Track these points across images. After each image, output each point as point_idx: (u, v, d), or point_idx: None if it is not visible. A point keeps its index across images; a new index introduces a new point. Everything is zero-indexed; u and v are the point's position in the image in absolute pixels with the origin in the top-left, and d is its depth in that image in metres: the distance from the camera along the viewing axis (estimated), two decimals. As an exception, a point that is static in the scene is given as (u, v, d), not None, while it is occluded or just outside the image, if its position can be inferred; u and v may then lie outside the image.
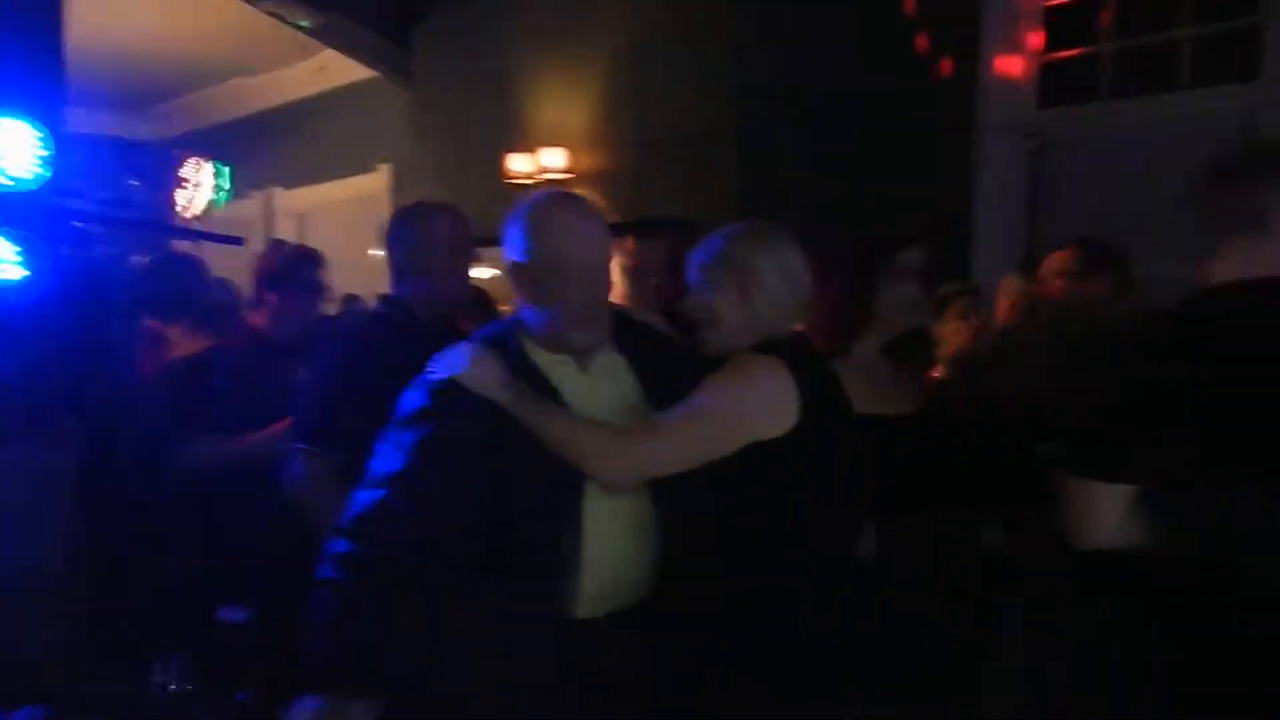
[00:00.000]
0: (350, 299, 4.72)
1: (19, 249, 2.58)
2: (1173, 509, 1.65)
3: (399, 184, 6.01)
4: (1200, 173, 1.74)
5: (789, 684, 1.81)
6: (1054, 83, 4.45)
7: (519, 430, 1.78)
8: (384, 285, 2.56)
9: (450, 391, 1.80)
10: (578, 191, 1.94)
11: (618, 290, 2.93)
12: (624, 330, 1.96)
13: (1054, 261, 2.81)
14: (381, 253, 2.60)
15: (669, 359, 2.00)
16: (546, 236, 1.82)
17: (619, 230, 3.19)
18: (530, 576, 1.80)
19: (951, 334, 3.23)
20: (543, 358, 1.87)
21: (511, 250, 1.86)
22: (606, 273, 1.90)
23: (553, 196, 1.89)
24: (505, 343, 1.88)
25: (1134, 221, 3.30)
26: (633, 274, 2.94)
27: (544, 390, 1.84)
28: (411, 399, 1.84)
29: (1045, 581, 2.43)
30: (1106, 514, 1.68)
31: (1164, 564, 1.66)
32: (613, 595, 1.87)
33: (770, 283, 1.89)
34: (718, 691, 1.85)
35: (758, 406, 1.81)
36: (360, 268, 5.67)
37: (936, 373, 3.01)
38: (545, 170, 4.60)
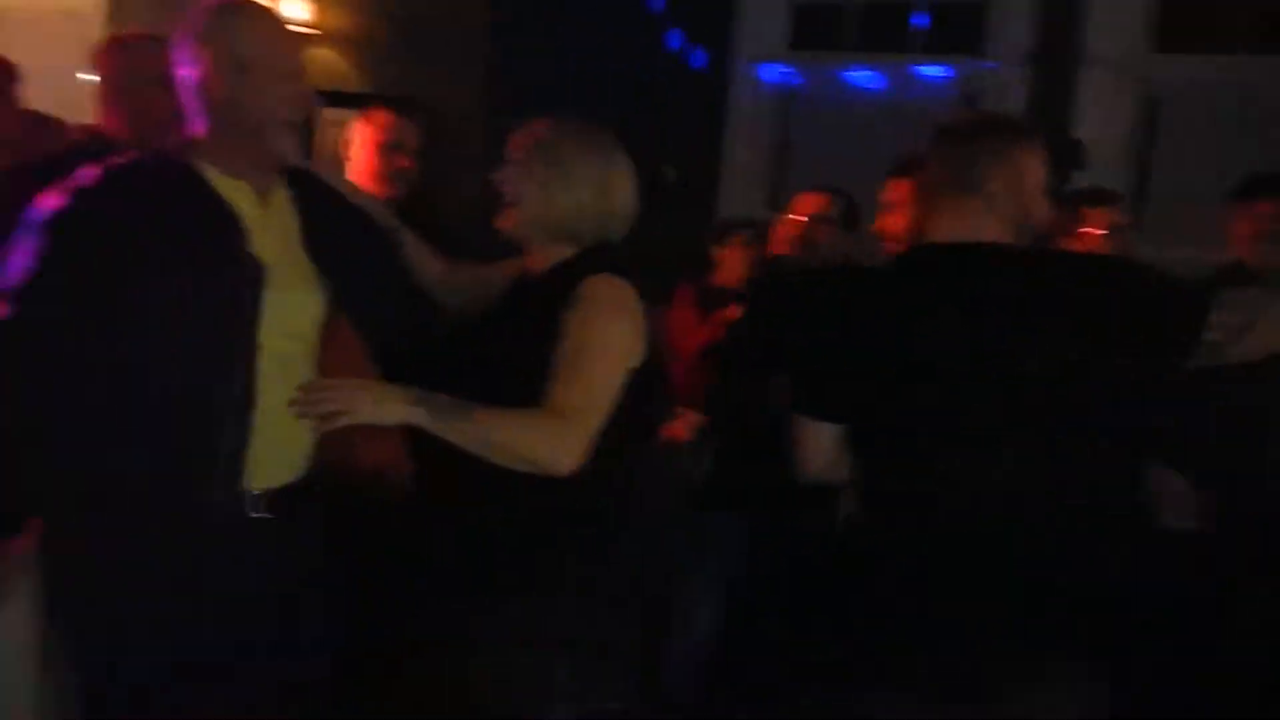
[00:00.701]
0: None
1: None
2: (881, 448, 1.77)
3: (118, 7, 5.36)
4: (930, 136, 1.83)
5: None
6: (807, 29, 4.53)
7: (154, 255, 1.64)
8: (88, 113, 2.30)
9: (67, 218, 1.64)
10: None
11: (364, 166, 2.77)
12: (295, 174, 1.86)
13: (810, 205, 2.91)
14: (91, 77, 2.33)
15: (336, 212, 1.91)
16: (235, 40, 1.70)
17: (372, 101, 3.01)
18: (178, 430, 1.68)
19: (729, 260, 3.21)
20: (221, 183, 1.73)
21: (191, 64, 1.72)
22: (301, 76, 1.79)
23: (227, 4, 1.76)
24: (170, 165, 1.73)
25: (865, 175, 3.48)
26: (383, 150, 2.76)
27: (216, 212, 1.69)
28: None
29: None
30: (822, 448, 1.80)
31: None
32: (284, 465, 1.79)
33: (575, 183, 1.80)
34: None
35: (633, 334, 1.76)
36: (63, 90, 5.05)
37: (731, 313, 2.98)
38: (286, 21, 4.23)
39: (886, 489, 1.76)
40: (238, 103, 1.70)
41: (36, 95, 2.95)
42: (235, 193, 1.73)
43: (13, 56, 3.00)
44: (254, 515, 1.74)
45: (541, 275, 1.85)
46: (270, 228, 1.76)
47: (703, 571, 2.87)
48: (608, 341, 1.72)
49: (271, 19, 1.86)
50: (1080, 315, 1.63)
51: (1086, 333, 1.62)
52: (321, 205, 1.87)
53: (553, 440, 1.64)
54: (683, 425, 3.07)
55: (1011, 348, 1.63)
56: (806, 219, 2.82)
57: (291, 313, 1.76)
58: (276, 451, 1.76)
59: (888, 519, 1.75)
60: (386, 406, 1.59)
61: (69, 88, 5.21)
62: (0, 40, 5.75)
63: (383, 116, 2.79)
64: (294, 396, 1.59)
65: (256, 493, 1.74)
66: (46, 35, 5.76)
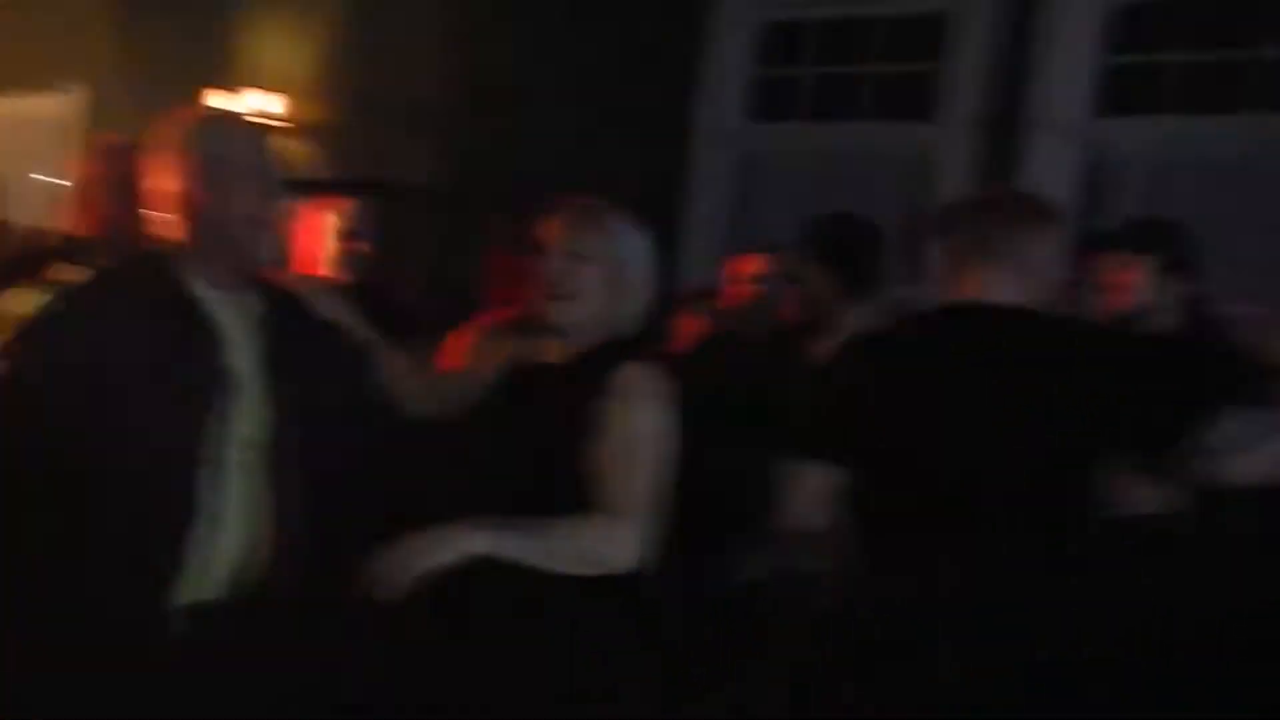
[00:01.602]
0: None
1: None
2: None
3: (96, 118, 5.53)
4: (954, 206, 1.97)
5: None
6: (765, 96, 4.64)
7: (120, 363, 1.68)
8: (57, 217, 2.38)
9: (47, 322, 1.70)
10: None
11: (325, 252, 2.84)
12: (271, 289, 1.91)
13: (748, 267, 2.97)
14: (65, 183, 2.43)
15: (301, 329, 1.93)
16: (204, 146, 1.79)
17: (332, 188, 3.12)
18: (123, 546, 1.68)
19: (683, 328, 3.19)
20: (201, 290, 1.80)
21: (170, 176, 1.80)
22: (272, 179, 1.85)
23: (200, 116, 1.90)
24: (159, 274, 1.79)
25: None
26: (340, 235, 2.86)
27: (199, 324, 1.75)
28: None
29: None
30: (813, 492, 1.85)
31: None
32: (232, 578, 1.79)
33: (630, 273, 1.85)
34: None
35: (671, 421, 1.78)
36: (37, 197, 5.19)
37: None
38: (261, 115, 4.39)
39: (888, 547, 1.81)
40: (216, 208, 1.78)
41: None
42: (219, 306, 1.81)
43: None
44: (177, 630, 1.72)
45: (562, 366, 1.85)
46: (244, 336, 1.83)
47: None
48: (656, 430, 1.75)
49: (244, 125, 1.96)
50: (1082, 394, 1.70)
51: (1084, 414, 1.70)
52: (289, 322, 1.91)
53: (610, 537, 1.70)
54: None
55: (1020, 418, 1.71)
56: (746, 280, 2.91)
57: (251, 424, 1.81)
58: (216, 564, 1.76)
59: (884, 579, 1.79)
60: (446, 547, 1.63)
61: (43, 191, 5.39)
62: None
63: (339, 203, 2.90)
64: (368, 580, 1.63)
65: (183, 606, 1.73)
66: (28, 141, 5.95)
